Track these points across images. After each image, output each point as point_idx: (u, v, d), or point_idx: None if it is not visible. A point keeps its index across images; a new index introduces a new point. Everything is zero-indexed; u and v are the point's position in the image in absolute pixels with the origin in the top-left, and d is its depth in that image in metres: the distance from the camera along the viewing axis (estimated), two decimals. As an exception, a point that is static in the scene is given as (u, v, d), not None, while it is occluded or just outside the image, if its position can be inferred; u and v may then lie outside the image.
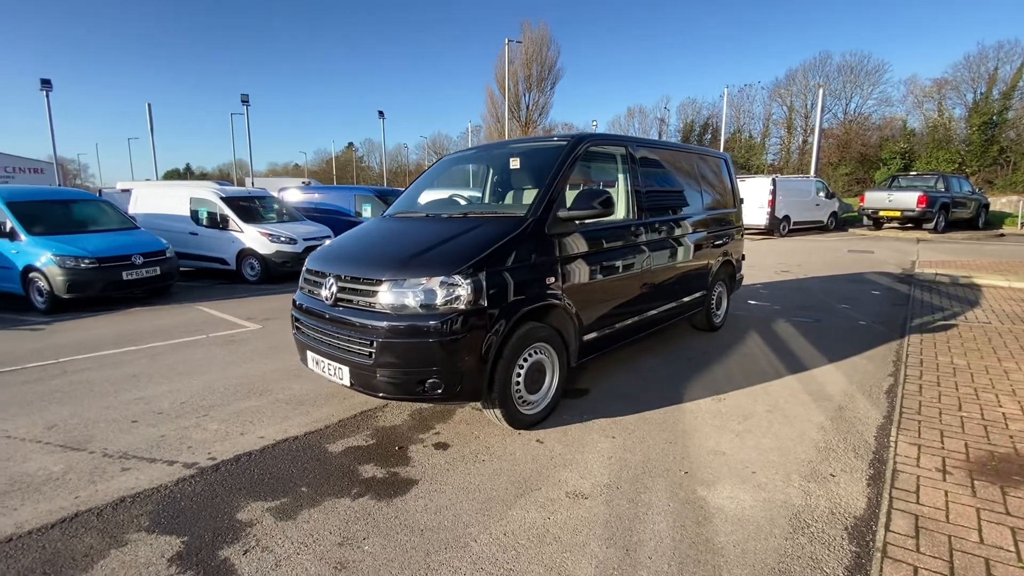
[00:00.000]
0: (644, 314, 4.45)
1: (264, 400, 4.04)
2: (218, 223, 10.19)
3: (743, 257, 6.46)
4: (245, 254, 9.94)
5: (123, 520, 2.54)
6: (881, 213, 17.95)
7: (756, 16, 63.41)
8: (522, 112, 40.36)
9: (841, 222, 20.75)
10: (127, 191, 14.35)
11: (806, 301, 7.51)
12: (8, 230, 7.68)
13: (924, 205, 16.77)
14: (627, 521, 2.47)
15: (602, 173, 4.62)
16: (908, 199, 17.15)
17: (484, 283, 3.04)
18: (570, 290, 3.59)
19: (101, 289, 7.66)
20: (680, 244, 4.91)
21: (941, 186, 17.78)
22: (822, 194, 19.31)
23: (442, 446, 3.27)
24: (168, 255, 8.59)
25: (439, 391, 3.02)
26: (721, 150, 31.07)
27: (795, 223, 18.10)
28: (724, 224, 5.83)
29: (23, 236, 7.64)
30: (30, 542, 2.38)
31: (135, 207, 11.18)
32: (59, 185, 22.86)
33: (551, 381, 3.59)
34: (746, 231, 18.04)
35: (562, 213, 3.50)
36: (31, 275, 7.56)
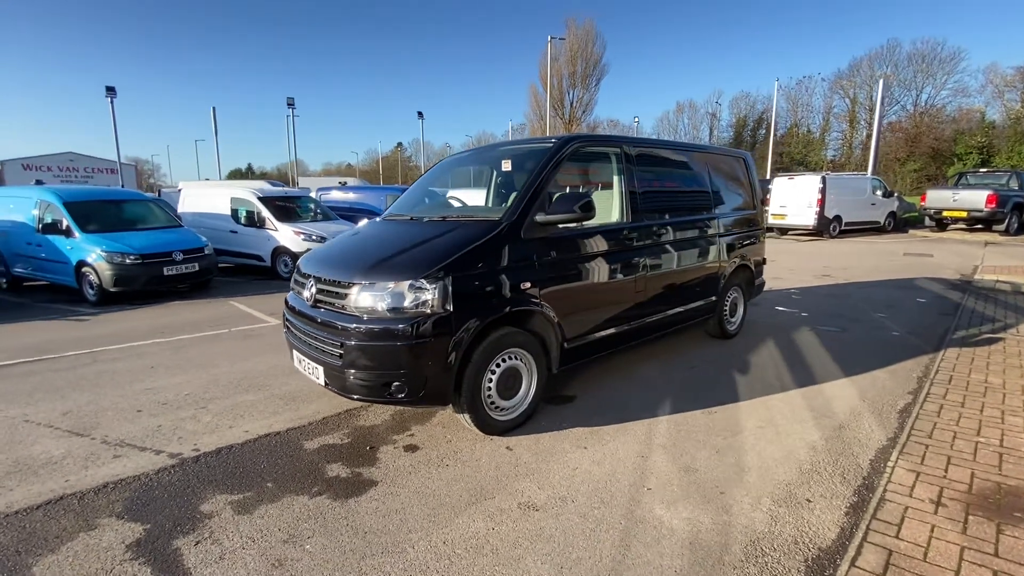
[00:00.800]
0: (639, 320, 4.31)
1: (260, 395, 4.21)
2: (255, 222, 10.69)
3: (763, 261, 6.14)
4: (279, 252, 10.38)
5: (100, 505, 2.72)
6: (945, 214, 16.59)
7: (817, 2, 60.01)
8: (566, 109, 40.01)
9: (901, 223, 19.33)
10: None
11: (840, 309, 7.05)
12: (64, 228, 8.36)
13: (994, 205, 15.36)
14: (571, 537, 2.40)
15: (597, 175, 4.50)
16: (976, 198, 15.75)
17: (450, 288, 3.03)
18: (551, 295, 3.53)
19: (144, 283, 8.21)
20: (684, 248, 4.72)
21: (1014, 184, 16.23)
22: (879, 192, 18.03)
23: (412, 448, 3.29)
24: (207, 252, 9.09)
25: (403, 395, 3.04)
26: (772, 145, 29.67)
27: (848, 224, 17.01)
28: (740, 227, 5.56)
29: (77, 233, 8.30)
30: (14, 521, 2.58)
31: (183, 206, 11.90)
32: (121, 186, 24.63)
33: (528, 387, 3.54)
34: (794, 231, 17.34)
35: (540, 217, 3.44)
36: (83, 269, 8.19)
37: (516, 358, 3.44)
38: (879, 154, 24.47)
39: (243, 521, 2.56)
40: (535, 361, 3.53)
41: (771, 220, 16.97)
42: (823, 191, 15.99)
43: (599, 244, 3.93)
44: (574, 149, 3.86)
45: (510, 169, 4.16)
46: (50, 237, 8.44)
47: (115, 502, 2.74)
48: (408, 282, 3.01)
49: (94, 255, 8.07)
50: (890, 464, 2.96)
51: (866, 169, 26.32)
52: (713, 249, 5.09)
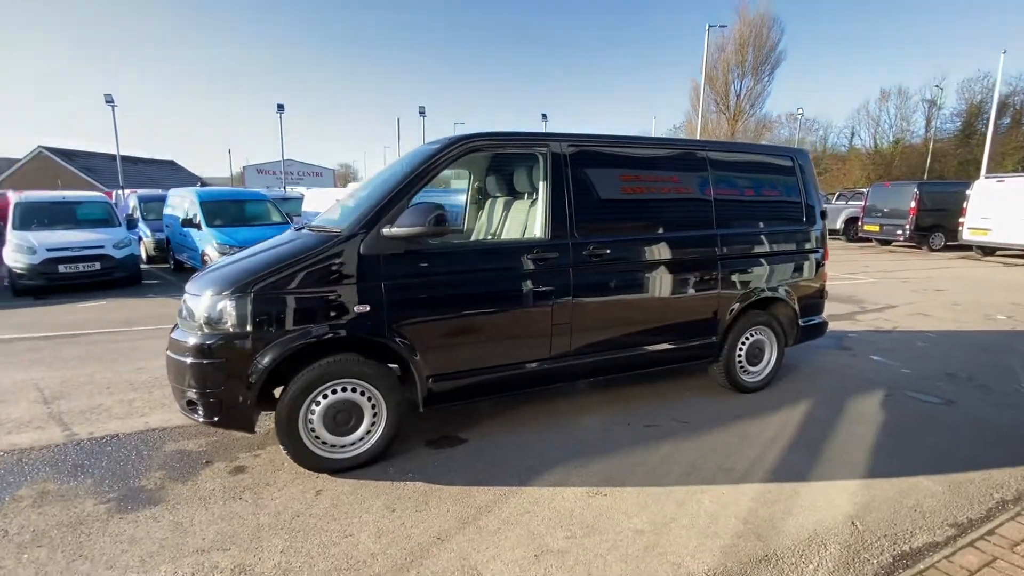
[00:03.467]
0: (565, 361, 3.50)
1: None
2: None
3: (820, 294, 4.59)
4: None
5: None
6: None
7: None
8: (731, 103, 35.98)
9: None
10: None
11: (974, 368, 4.96)
12: (197, 222, 10.10)
13: None
14: (227, 628, 1.96)
15: (520, 181, 3.77)
16: None
17: (250, 307, 2.76)
18: (407, 323, 3.03)
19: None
20: (649, 273, 3.72)
21: None
22: None
23: (239, 470, 3.10)
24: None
25: (198, 413, 2.87)
26: (991, 140, 22.53)
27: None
28: (770, 248, 4.21)
29: (204, 227, 9.95)
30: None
31: (305, 205, 13.55)
32: (280, 189, 29.33)
33: (371, 424, 3.09)
34: (1004, 251, 12.96)
35: (387, 231, 2.96)
36: (204, 257, 9.80)
37: (356, 390, 3.02)
38: None
39: (21, 513, 2.65)
40: (385, 396, 3.07)
41: (968, 236, 13.03)
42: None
43: (491, 265, 3.27)
44: (464, 151, 3.25)
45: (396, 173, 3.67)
46: (187, 229, 10.29)
47: None
48: (213, 297, 2.82)
49: (211, 245, 9.58)
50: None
51: None
52: (707, 277, 3.92)
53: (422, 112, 30.40)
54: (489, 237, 4.21)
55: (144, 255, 12.61)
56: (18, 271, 8.54)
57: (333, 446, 3.03)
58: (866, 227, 16.01)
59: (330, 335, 2.87)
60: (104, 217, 10.28)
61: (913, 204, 14.50)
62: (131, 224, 12.86)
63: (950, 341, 5.96)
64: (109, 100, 22.15)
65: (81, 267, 8.93)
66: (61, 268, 8.74)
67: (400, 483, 2.96)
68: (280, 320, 2.81)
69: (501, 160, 3.85)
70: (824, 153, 41.55)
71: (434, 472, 3.08)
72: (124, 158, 25.06)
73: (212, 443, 3.44)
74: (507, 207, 4.00)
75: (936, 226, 14.71)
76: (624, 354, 3.73)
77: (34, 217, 9.52)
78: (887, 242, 16.21)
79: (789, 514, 2.69)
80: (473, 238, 4.39)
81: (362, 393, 3.03)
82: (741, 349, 4.21)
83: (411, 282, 3.04)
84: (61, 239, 9.00)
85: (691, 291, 3.88)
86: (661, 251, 3.76)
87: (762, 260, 4.17)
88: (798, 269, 4.39)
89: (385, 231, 2.96)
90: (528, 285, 3.34)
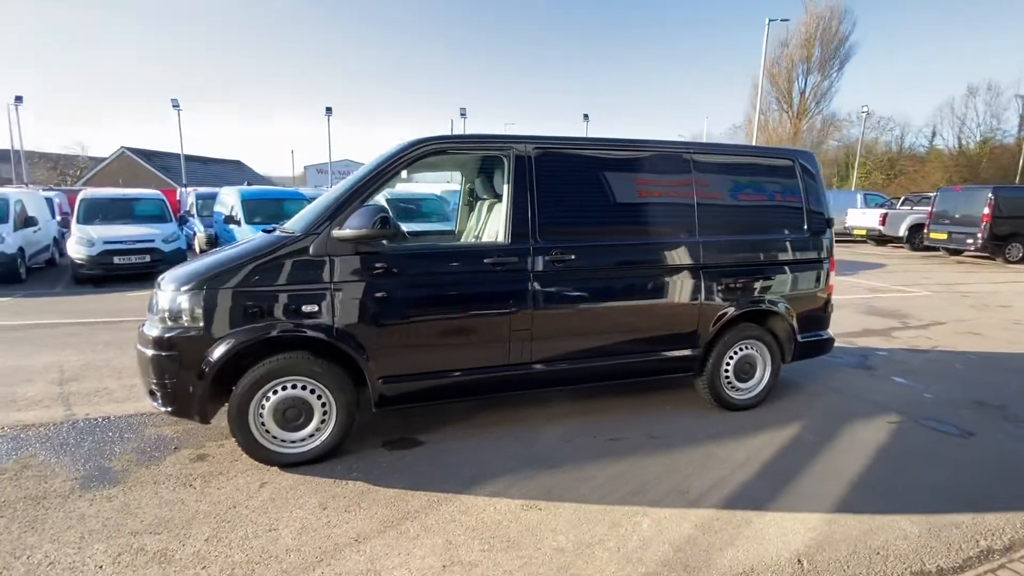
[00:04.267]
0: (525, 368, 3.43)
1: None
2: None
3: (824, 306, 4.25)
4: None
5: (-30, 444, 3.41)
6: None
7: None
8: (794, 101, 33.98)
9: None
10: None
11: (1009, 397, 4.45)
12: (238, 219, 10.70)
13: None
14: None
15: (494, 184, 3.71)
16: None
17: (203, 303, 2.89)
18: (358, 325, 3.07)
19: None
20: (617, 280, 3.58)
21: None
22: None
23: (201, 458, 3.25)
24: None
25: (157, 403, 3.02)
26: None
27: None
28: (759, 256, 3.95)
29: (243, 223, 10.53)
30: (-83, 442, 3.43)
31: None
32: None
33: (320, 422, 3.14)
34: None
35: (336, 232, 3.00)
36: (242, 252, 10.38)
37: (306, 388, 3.09)
38: None
39: (2, 484, 2.90)
40: (335, 395, 3.12)
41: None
42: None
43: (446, 268, 3.26)
44: (420, 154, 3.25)
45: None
46: (229, 226, 10.92)
47: (-19, 445, 3.40)
48: (172, 292, 2.97)
49: (248, 242, 10.14)
50: None
51: None
52: (686, 286, 3.72)
53: (463, 114, 30.78)
54: (473, 239, 4.21)
55: (197, 248, 13.51)
56: (78, 261, 9.38)
57: (283, 441, 3.12)
58: (932, 235, 14.70)
59: (277, 334, 2.96)
60: (158, 213, 11.09)
61: (987, 211, 13.16)
62: (184, 220, 13.78)
63: (993, 365, 5.36)
64: (175, 104, 24.02)
65: (133, 259, 9.66)
66: (116, 260, 9.51)
67: (342, 481, 3.00)
68: (231, 317, 2.92)
69: (482, 163, 3.82)
70: (900, 154, 38.52)
71: (379, 473, 3.10)
72: (194, 158, 26.92)
73: (187, 430, 3.62)
74: (490, 209, 3.97)
75: (1014, 235, 13.30)
76: (590, 364, 3.61)
77: (96, 212, 10.43)
78: (957, 252, 14.82)
79: (731, 545, 2.50)
80: (463, 240, 4.40)
81: (312, 391, 3.10)
82: (728, 364, 3.97)
83: (362, 285, 3.08)
84: (117, 233, 9.79)
85: (667, 301, 3.69)
86: (632, 258, 3.61)
87: (752, 269, 3.92)
88: (797, 280, 4.08)
89: (335, 233, 3.01)
90: (485, 290, 3.30)
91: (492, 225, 3.88)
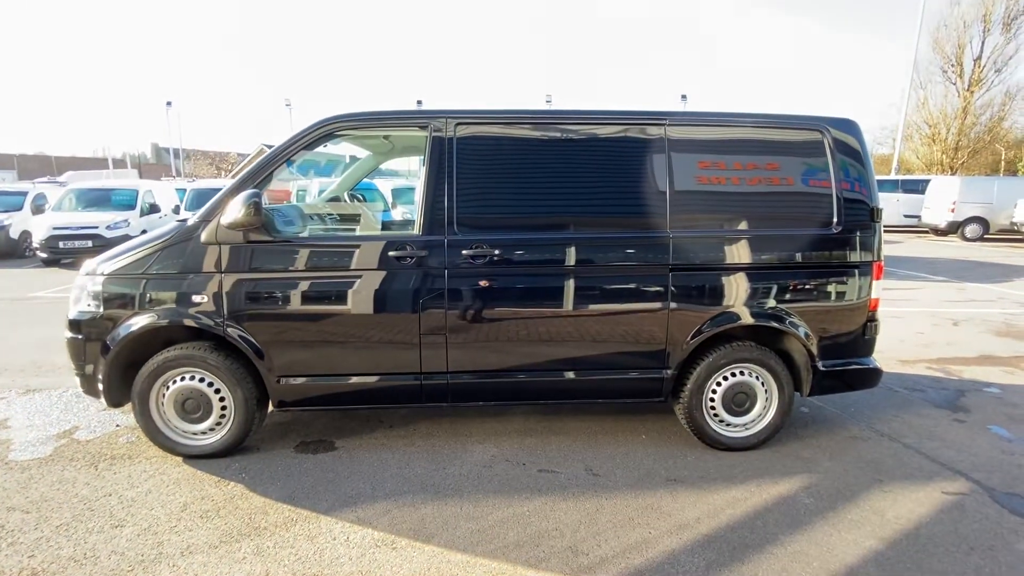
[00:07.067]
0: (438, 379, 3.01)
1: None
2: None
3: (865, 327, 3.19)
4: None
5: (-25, 403, 3.85)
6: None
7: None
8: (965, 69, 27.65)
9: None
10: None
11: None
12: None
13: None
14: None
15: (408, 167, 3.25)
16: None
17: (102, 288, 2.89)
18: (246, 317, 2.88)
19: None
20: (557, 279, 2.97)
21: None
22: None
23: (128, 442, 3.31)
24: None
25: (76, 382, 3.09)
26: None
27: None
28: (761, 257, 3.06)
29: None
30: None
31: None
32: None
33: (219, 416, 3.01)
34: None
35: (224, 219, 2.81)
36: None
37: (204, 380, 2.98)
38: None
39: (-47, 447, 3.20)
40: (231, 390, 2.98)
41: None
42: None
43: (345, 261, 2.93)
44: (321, 135, 2.94)
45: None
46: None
47: (-16, 405, 3.84)
48: (81, 277, 3.01)
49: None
50: None
51: None
52: (645, 291, 2.99)
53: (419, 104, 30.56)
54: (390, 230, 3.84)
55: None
56: (35, 245, 10.66)
57: (184, 432, 3.05)
58: None
59: (166, 322, 2.87)
60: (131, 203, 11.62)
61: None
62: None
63: None
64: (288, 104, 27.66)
65: (76, 244, 10.30)
66: (61, 244, 10.32)
67: (224, 482, 2.85)
68: (126, 303, 2.90)
69: (399, 143, 3.42)
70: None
71: (265, 478, 2.90)
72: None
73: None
74: (410, 196, 3.58)
75: None
76: (523, 379, 3.06)
77: (76, 201, 11.45)
78: None
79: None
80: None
81: (209, 384, 2.98)
82: (714, 392, 3.15)
83: (252, 275, 2.88)
84: (66, 220, 10.62)
85: (620, 307, 2.99)
86: (574, 255, 2.96)
87: (746, 274, 3.04)
88: (819, 289, 3.10)
89: (223, 220, 2.83)
90: (390, 287, 2.92)
91: (410, 214, 3.48)
